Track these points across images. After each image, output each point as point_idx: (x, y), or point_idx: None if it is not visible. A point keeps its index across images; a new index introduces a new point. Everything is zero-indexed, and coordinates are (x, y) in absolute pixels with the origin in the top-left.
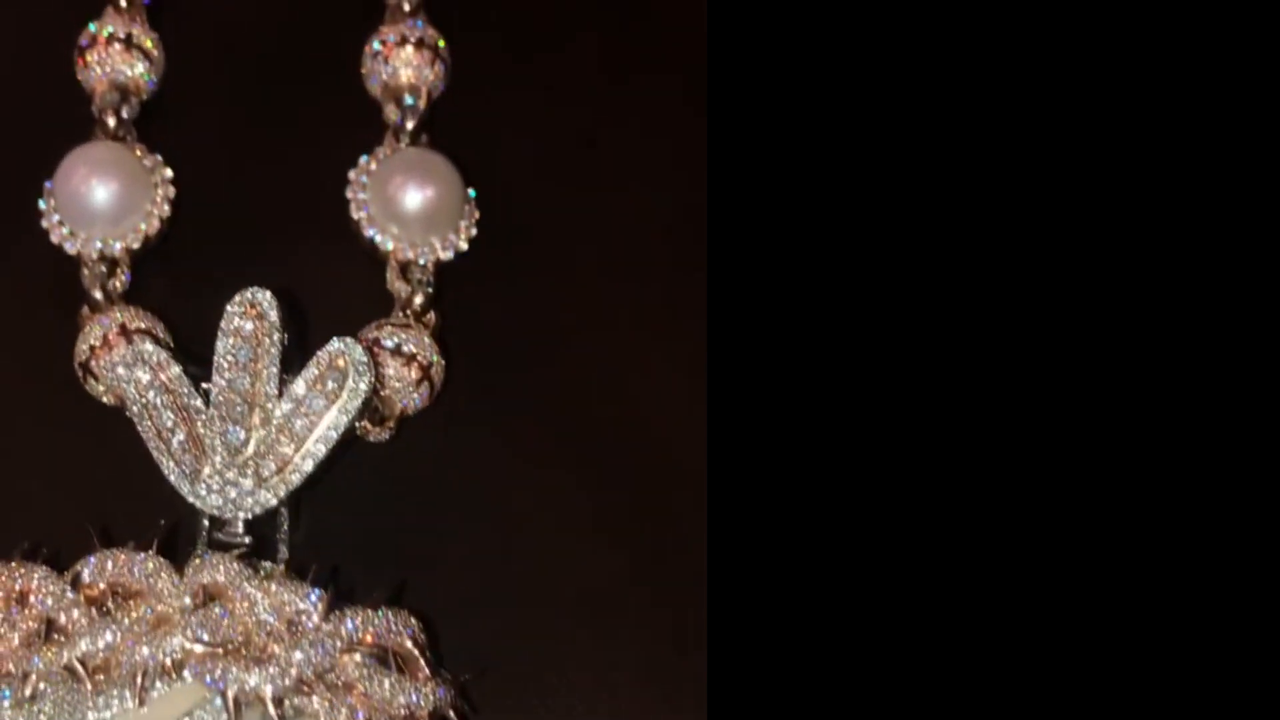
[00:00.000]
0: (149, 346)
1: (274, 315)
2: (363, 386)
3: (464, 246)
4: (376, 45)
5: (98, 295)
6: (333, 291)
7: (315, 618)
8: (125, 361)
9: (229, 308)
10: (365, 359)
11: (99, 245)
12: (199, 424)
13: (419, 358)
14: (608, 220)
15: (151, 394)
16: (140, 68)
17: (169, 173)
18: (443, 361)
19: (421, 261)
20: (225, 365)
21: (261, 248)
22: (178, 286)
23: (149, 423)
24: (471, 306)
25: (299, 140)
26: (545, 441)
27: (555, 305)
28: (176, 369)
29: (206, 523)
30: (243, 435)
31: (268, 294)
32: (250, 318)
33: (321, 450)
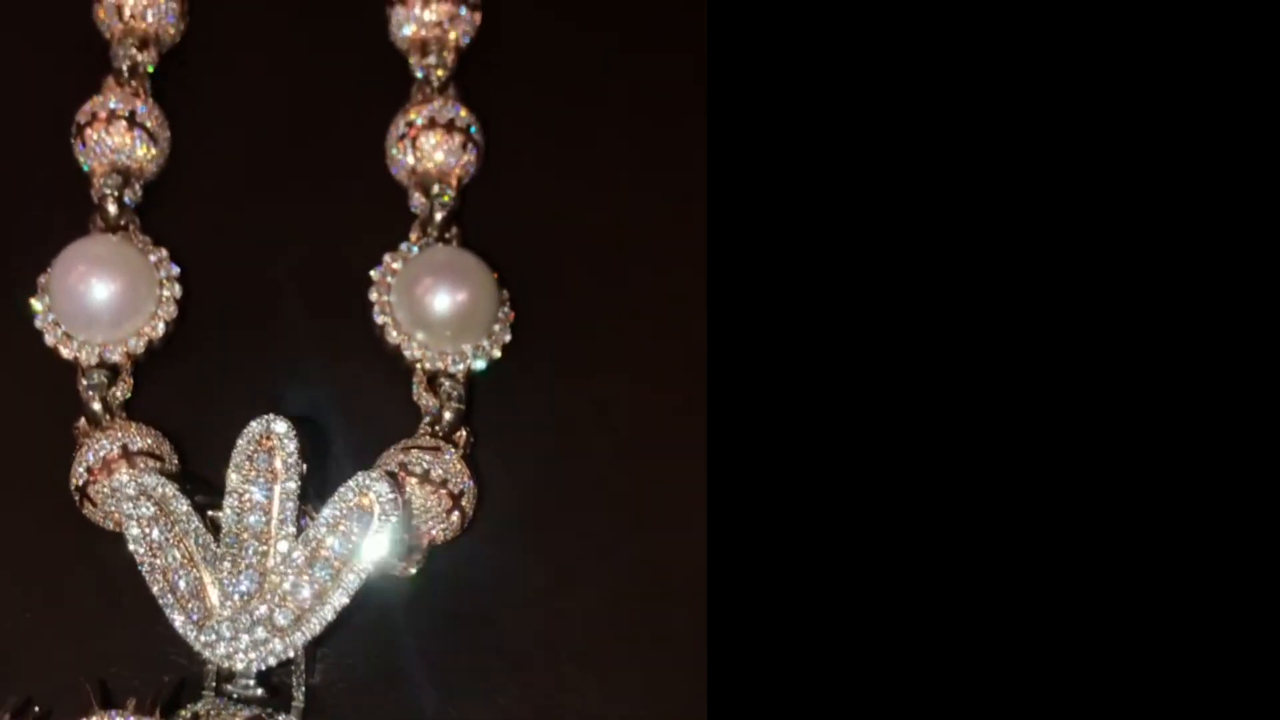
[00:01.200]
0: (152, 478)
1: (292, 448)
2: (390, 528)
3: (497, 354)
4: (402, 127)
5: (96, 407)
6: (354, 403)
7: None
8: (128, 494)
9: (242, 440)
10: (393, 495)
11: (98, 350)
12: (208, 565)
13: (450, 485)
14: (654, 319)
15: (156, 531)
16: (143, 149)
17: (175, 269)
18: (475, 487)
19: (452, 371)
20: (237, 502)
21: (276, 354)
22: (184, 396)
23: (153, 563)
24: (505, 418)
25: (318, 232)
26: (589, 572)
27: (597, 417)
28: (185, 504)
29: (214, 670)
30: (257, 580)
31: (284, 424)
32: (265, 450)
33: (344, 600)
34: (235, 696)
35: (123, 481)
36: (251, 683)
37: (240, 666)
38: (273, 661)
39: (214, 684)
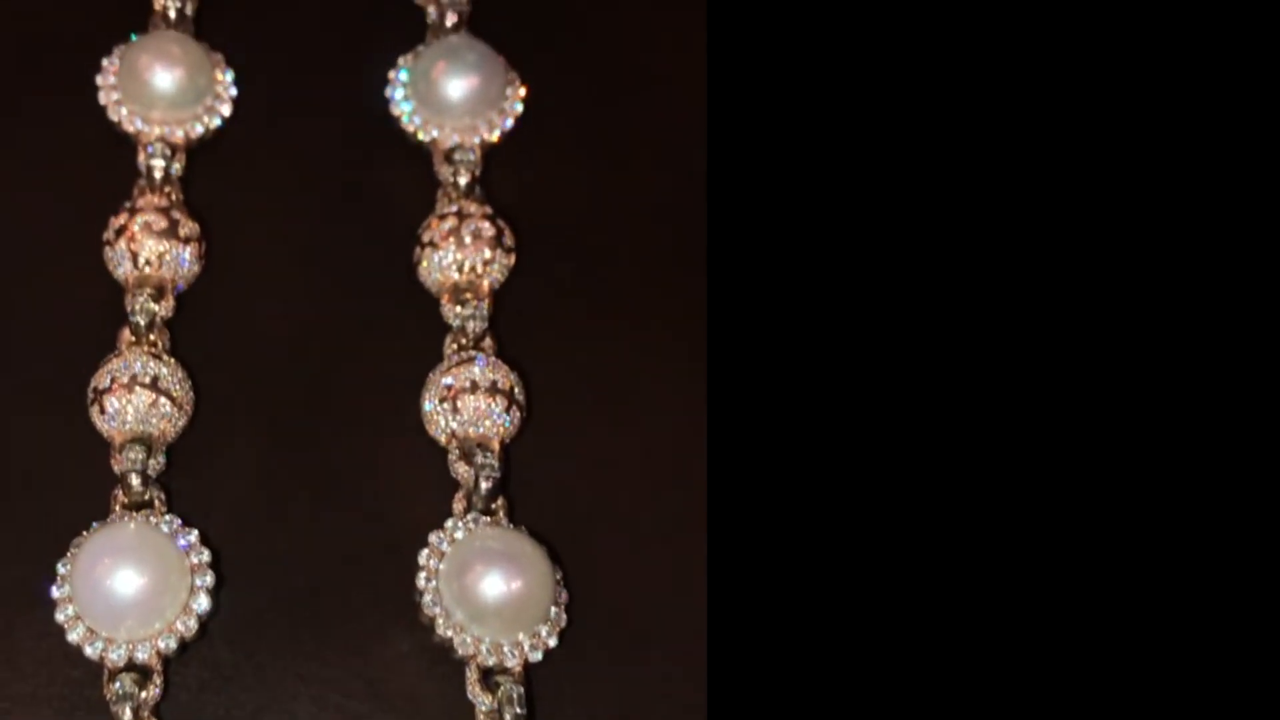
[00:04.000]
0: None
1: None
2: None
3: (553, 643)
4: (441, 389)
5: (126, 717)
6: (403, 701)
7: None
8: None
9: None
10: None
11: (124, 650)
12: None
13: None
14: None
15: None
16: (168, 416)
17: (206, 554)
18: None
19: (508, 665)
20: None
21: (319, 645)
22: (219, 699)
23: None
24: (566, 712)
25: (355, 501)
26: None
27: (655, 700)
28: None
29: None
30: None
31: None
32: None
33: None
34: None
35: None
36: None
37: None
38: None
39: None
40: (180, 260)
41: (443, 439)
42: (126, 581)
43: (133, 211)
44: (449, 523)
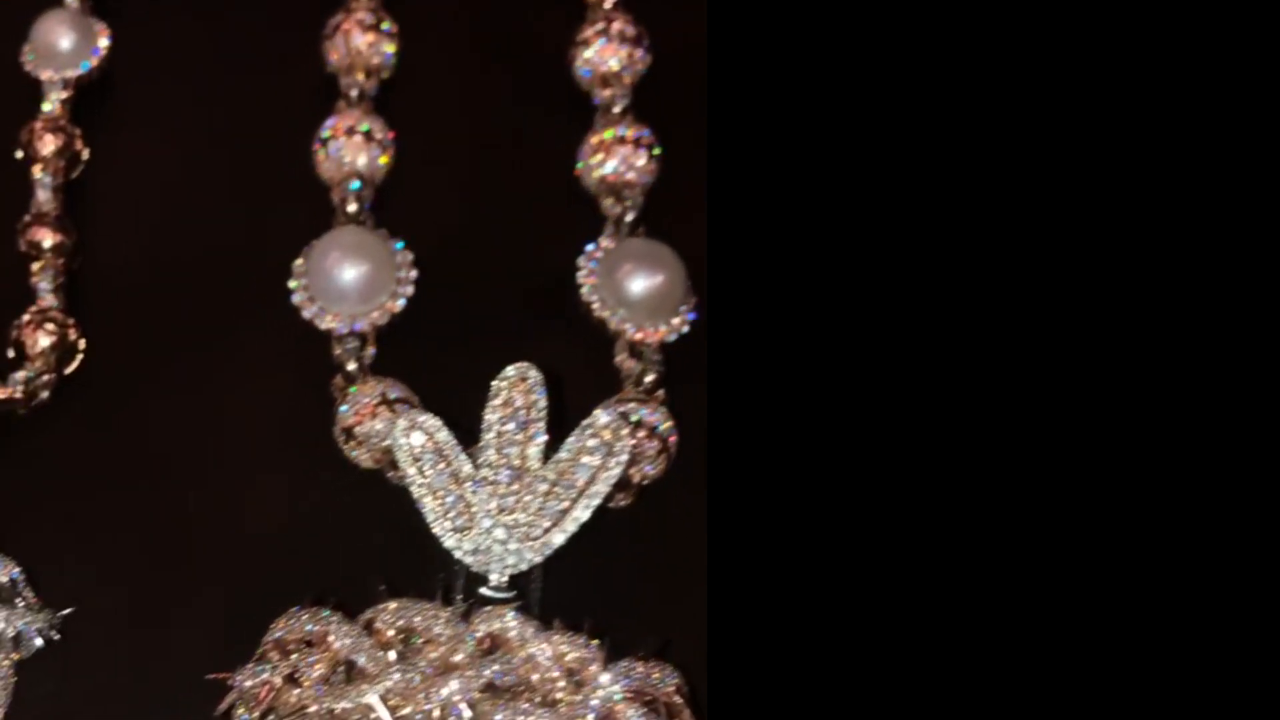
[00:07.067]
0: (422, 415)
1: (542, 390)
2: (623, 457)
3: (685, 330)
4: (595, 145)
5: (352, 366)
6: (568, 367)
7: (596, 667)
8: (403, 427)
9: (498, 382)
10: (626, 431)
11: (350, 320)
12: (468, 486)
13: (659, 430)
14: None
15: (428, 456)
16: (375, 154)
17: (410, 256)
18: (677, 435)
19: (650, 341)
20: (494, 432)
21: (497, 329)
22: (419, 362)
23: (423, 483)
24: (693, 383)
25: (524, 229)
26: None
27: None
28: (447, 434)
29: (468, 579)
30: (512, 500)
31: (534, 370)
32: (520, 391)
33: (584, 515)
34: (489, 599)
35: (396, 418)
36: (504, 585)
37: (495, 572)
38: (524, 568)
39: (468, 589)
40: (385, 54)
41: (592, 185)
42: (349, 269)
43: (348, 11)
44: (601, 238)
